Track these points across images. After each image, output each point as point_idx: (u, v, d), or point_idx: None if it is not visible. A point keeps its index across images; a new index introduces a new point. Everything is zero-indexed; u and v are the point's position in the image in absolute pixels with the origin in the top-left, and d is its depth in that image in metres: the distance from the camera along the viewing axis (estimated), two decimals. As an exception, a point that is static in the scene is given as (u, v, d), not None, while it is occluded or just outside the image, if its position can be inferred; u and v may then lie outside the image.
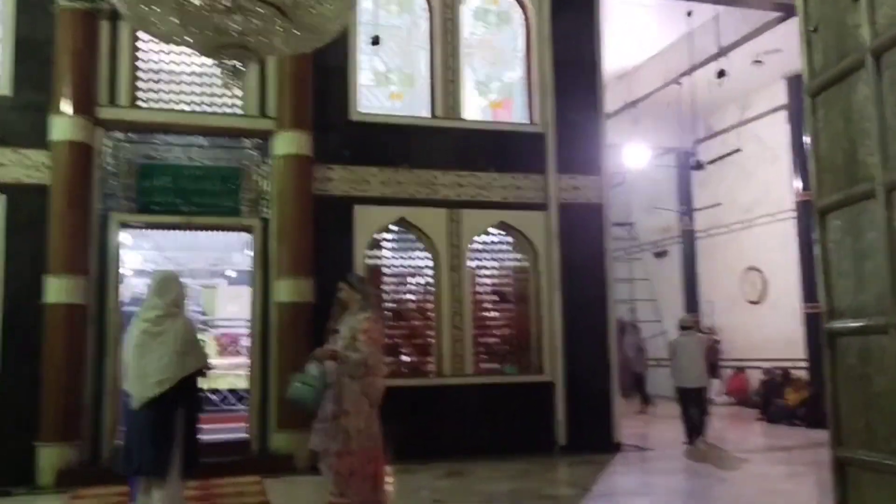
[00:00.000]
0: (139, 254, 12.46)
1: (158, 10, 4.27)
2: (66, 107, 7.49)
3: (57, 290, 7.28)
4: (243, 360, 10.62)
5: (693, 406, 9.10)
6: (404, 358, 8.63)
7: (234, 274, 14.62)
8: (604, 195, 9.21)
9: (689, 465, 8.23)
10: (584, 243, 9.03)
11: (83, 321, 7.47)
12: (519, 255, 9.12)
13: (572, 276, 8.93)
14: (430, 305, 8.71)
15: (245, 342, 11.30)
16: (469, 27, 9.27)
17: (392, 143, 8.69)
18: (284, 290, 7.94)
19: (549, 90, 9.21)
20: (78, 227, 7.50)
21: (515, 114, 10.01)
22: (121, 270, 8.00)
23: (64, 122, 7.49)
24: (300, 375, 4.73)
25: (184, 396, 4.68)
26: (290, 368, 7.78)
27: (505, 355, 8.91)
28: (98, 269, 7.65)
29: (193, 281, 13.68)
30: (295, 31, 4.60)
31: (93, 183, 7.68)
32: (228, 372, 10.41)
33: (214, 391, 10.24)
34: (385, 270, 8.70)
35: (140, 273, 13.43)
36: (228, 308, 14.25)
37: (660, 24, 11.97)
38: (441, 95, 8.92)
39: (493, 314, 8.96)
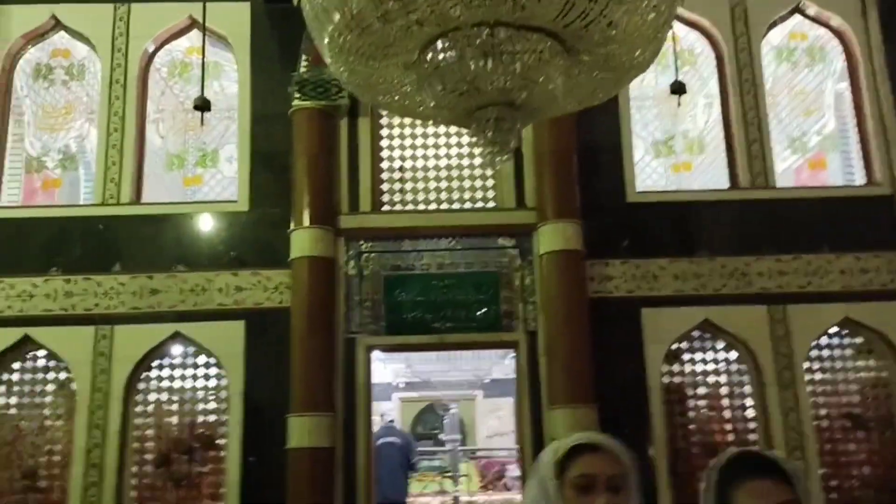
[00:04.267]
0: (386, 367, 11.55)
1: (386, 65, 2.93)
2: (305, 218, 6.60)
3: (300, 432, 6.19)
4: (513, 496, 9.02)
5: None
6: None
7: (488, 381, 13.34)
8: None
9: None
10: (974, 342, 6.37)
11: (330, 466, 6.31)
12: (874, 363, 6.65)
13: (961, 389, 6.28)
14: (754, 436, 6.50)
15: (513, 471, 9.72)
16: (770, 70, 7.26)
17: (683, 225, 6.83)
18: (561, 423, 6.20)
19: (892, 138, 6.85)
20: (322, 355, 6.45)
21: (833, 174, 7.72)
22: (371, 402, 6.79)
23: (303, 235, 6.59)
24: None
25: None
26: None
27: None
28: (344, 401, 6.51)
29: (447, 394, 12.61)
30: (580, 74, 3.07)
31: (337, 302, 6.66)
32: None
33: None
34: (688, 392, 6.67)
35: (388, 389, 12.54)
36: (489, 423, 12.92)
37: None
38: (743, 159, 6.93)
39: (847, 446, 6.50)
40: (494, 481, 9.58)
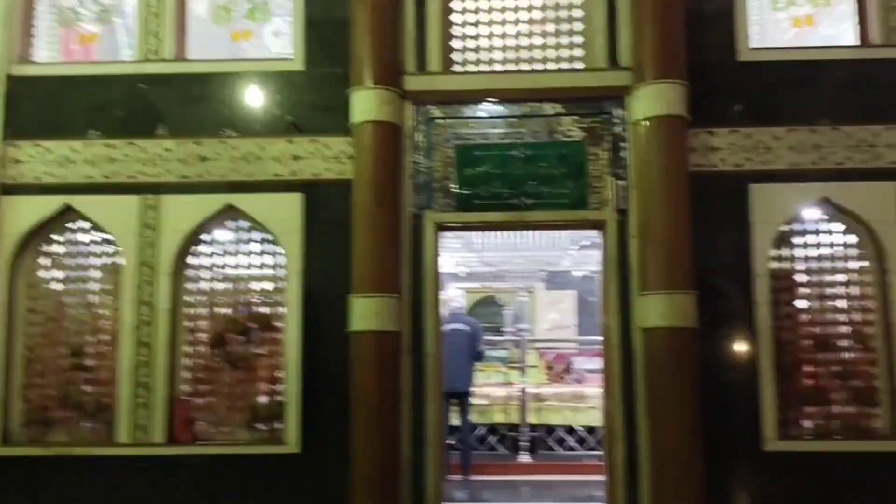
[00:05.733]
0: (448, 255, 10.96)
1: None
2: (367, 77, 5.83)
3: (364, 314, 5.64)
4: (582, 389, 8.56)
5: None
6: (834, 409, 5.80)
7: (547, 273, 12.77)
8: None
9: None
10: None
11: (397, 352, 5.79)
12: None
13: None
14: (871, 330, 5.78)
15: (579, 363, 9.24)
16: None
17: (803, 90, 5.89)
18: (653, 310, 5.55)
19: None
20: (386, 232, 5.83)
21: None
22: (440, 285, 6.19)
23: (365, 97, 5.84)
24: None
25: None
26: (666, 419, 5.50)
27: None
28: (411, 283, 5.92)
29: (506, 285, 12.10)
30: None
31: (402, 174, 5.97)
32: (563, 404, 8.28)
33: (548, 429, 8.20)
34: (799, 279, 5.92)
35: (445, 279, 12.01)
36: (549, 316, 12.40)
37: None
38: (878, 10, 5.92)
39: (980, 342, 5.75)
40: (563, 373, 9.10)
